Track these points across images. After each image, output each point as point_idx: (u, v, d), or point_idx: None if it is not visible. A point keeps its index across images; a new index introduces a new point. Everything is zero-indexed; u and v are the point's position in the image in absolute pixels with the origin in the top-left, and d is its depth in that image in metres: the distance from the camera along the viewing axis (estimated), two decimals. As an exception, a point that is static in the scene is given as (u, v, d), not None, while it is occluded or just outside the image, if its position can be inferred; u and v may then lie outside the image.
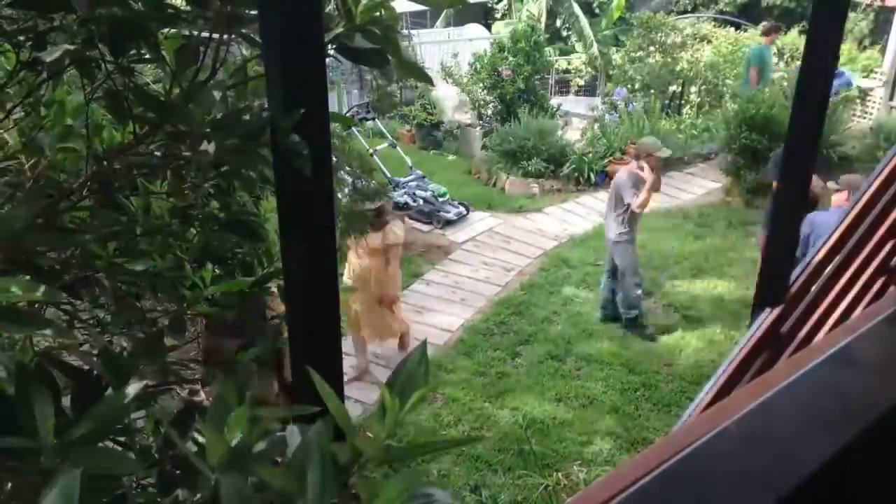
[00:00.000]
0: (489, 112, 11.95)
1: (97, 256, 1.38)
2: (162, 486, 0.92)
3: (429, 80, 1.28)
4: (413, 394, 0.80)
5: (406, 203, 8.99)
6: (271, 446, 0.81)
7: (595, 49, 14.37)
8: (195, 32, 1.17)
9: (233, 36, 1.19)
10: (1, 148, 1.33)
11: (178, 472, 0.92)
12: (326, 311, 1.32)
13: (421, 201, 9.14)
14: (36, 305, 1.41)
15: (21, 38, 1.09)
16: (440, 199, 9.23)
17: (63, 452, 0.72)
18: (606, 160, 10.52)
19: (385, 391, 0.80)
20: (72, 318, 1.57)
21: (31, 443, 0.74)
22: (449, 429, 5.56)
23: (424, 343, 0.87)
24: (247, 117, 1.18)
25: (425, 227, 9.13)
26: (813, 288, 2.96)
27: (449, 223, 9.15)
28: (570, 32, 15.21)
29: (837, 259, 3.02)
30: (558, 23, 15.47)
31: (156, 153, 1.25)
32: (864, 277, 3.05)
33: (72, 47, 1.05)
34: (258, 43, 1.20)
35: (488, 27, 15.92)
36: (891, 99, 12.18)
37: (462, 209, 9.33)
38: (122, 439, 1.08)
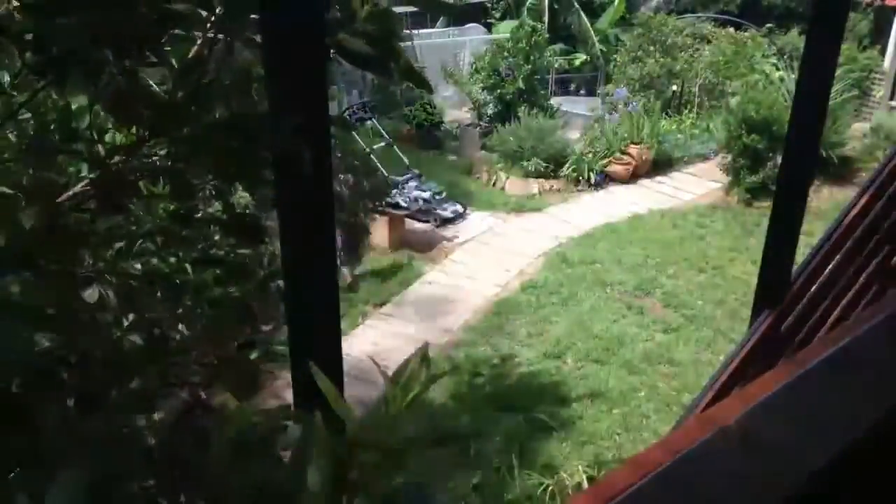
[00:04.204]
0: (489, 112, 11.96)
1: (100, 257, 1.39)
2: (163, 486, 0.92)
3: (427, 87, 1.29)
4: (413, 390, 0.80)
5: (403, 202, 9.01)
6: (274, 442, 0.82)
7: (596, 49, 14.37)
8: (198, 34, 1.18)
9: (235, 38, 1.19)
10: (5, 150, 1.34)
11: (180, 471, 0.92)
12: (327, 311, 1.32)
13: (419, 200, 9.17)
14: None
15: (25, 40, 1.09)
16: (437, 198, 9.26)
17: (67, 452, 0.72)
18: (606, 160, 10.53)
19: (388, 384, 0.81)
20: (74, 319, 1.58)
21: (35, 443, 0.74)
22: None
23: (426, 345, 0.88)
24: (248, 119, 1.19)
25: (425, 227, 9.15)
26: (813, 288, 2.97)
27: (446, 221, 9.19)
28: (570, 32, 15.21)
29: (837, 260, 3.02)
30: (559, 22, 15.46)
31: (158, 154, 1.25)
32: (863, 278, 3.06)
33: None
34: (260, 45, 1.20)
35: (488, 27, 15.91)
36: (891, 99, 12.18)
37: (459, 207, 9.38)
38: (124, 440, 1.08)
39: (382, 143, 9.83)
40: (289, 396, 1.26)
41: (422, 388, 0.81)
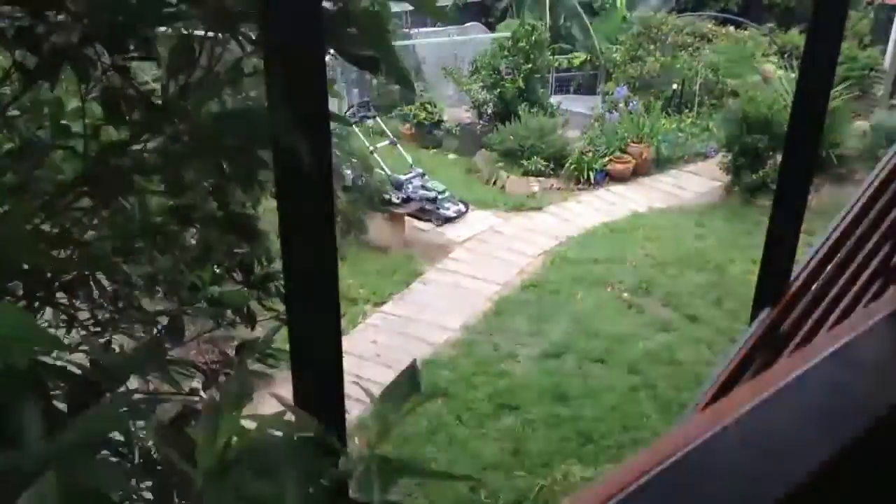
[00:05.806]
0: (489, 111, 11.94)
1: (95, 256, 1.38)
2: (157, 493, 0.91)
3: (412, 88, 1.29)
4: (403, 407, 0.79)
5: (405, 201, 9.00)
6: (261, 454, 0.80)
7: (596, 48, 14.35)
8: (192, 30, 1.17)
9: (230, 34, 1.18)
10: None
11: (173, 478, 0.91)
12: (327, 312, 1.31)
13: (421, 199, 9.15)
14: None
15: (15, 36, 1.08)
16: (439, 197, 9.25)
17: (50, 462, 0.69)
18: (607, 159, 10.52)
19: (375, 404, 0.80)
20: (70, 319, 1.57)
21: (13, 452, 0.71)
22: (447, 427, 5.56)
23: (414, 363, 0.88)
24: (245, 116, 1.18)
25: (425, 226, 9.14)
26: (813, 287, 2.96)
27: (448, 220, 9.17)
28: (570, 31, 15.19)
29: (837, 259, 3.01)
30: (559, 22, 15.44)
31: (153, 152, 1.24)
32: (863, 277, 3.04)
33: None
34: (256, 41, 1.19)
35: (489, 26, 15.90)
36: (891, 97, 12.16)
37: (461, 206, 9.37)
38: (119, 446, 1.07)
39: (386, 142, 9.81)
40: (286, 394, 1.25)
41: (408, 411, 0.81)
